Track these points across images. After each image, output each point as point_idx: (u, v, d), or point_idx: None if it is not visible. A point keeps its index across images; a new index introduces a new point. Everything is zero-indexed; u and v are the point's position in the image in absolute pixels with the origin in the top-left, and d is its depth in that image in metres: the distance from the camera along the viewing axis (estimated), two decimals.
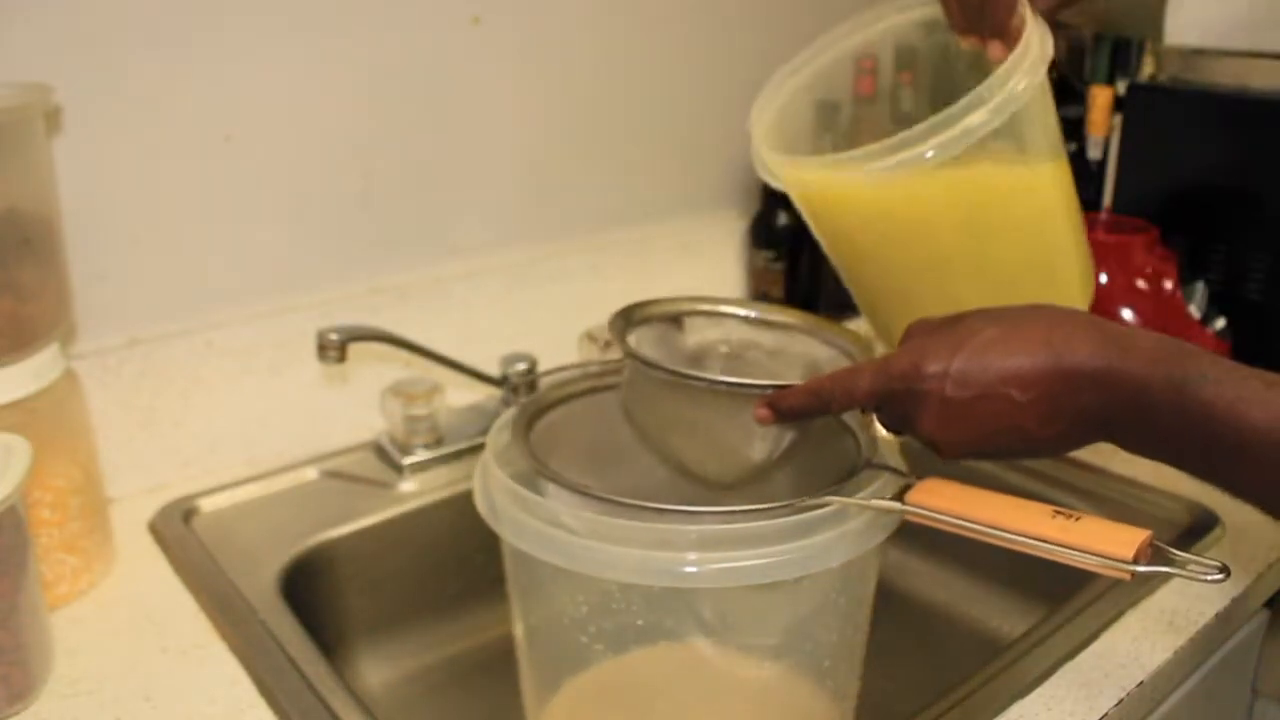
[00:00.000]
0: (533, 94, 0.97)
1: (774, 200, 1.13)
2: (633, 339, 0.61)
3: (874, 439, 0.58)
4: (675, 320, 0.66)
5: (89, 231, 0.76)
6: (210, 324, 0.82)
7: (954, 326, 0.51)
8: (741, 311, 0.67)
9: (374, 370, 0.90)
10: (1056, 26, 1.37)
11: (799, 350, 0.65)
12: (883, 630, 0.65)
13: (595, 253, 1.04)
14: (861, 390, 0.52)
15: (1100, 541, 0.45)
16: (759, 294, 1.15)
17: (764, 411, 0.55)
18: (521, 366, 0.90)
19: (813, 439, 0.60)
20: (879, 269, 0.70)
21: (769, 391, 0.55)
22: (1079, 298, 0.71)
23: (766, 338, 0.67)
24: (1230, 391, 0.44)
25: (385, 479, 0.84)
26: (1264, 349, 0.93)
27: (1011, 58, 0.64)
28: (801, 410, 0.54)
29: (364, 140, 0.87)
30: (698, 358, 0.66)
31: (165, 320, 0.81)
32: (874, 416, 0.55)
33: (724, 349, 0.66)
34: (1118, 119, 1.11)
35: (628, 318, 0.62)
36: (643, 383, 0.60)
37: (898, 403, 0.51)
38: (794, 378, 0.57)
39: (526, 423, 0.60)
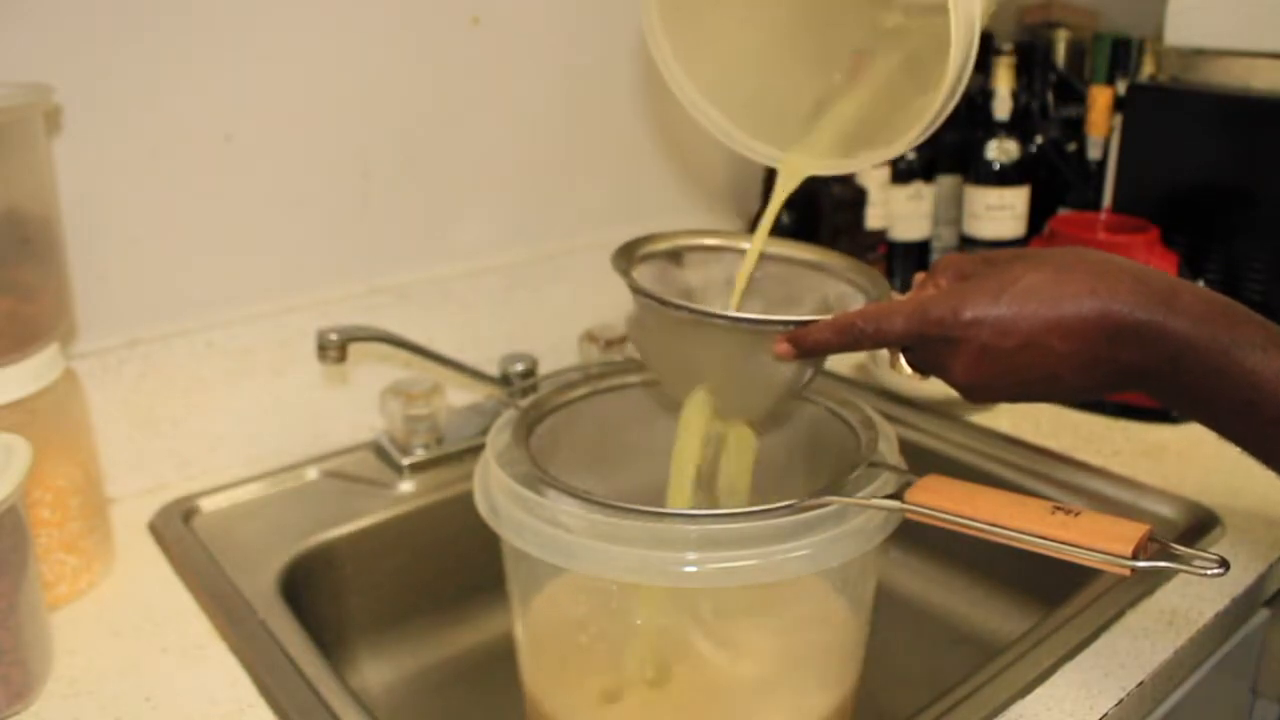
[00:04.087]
0: (532, 94, 0.97)
1: None
2: (636, 275, 0.59)
3: (874, 438, 0.58)
4: (675, 256, 0.64)
5: (89, 231, 0.76)
6: (210, 324, 0.82)
7: (994, 270, 0.49)
8: (745, 245, 0.65)
9: (374, 370, 0.90)
10: (1056, 26, 1.37)
11: (808, 286, 0.64)
12: (883, 630, 0.65)
13: (595, 253, 1.04)
14: (895, 331, 0.51)
15: (1100, 537, 0.45)
16: None
17: (785, 346, 0.53)
18: (521, 366, 0.90)
19: (812, 436, 0.60)
20: None
21: (791, 328, 0.53)
22: None
23: (773, 273, 0.65)
24: (1277, 361, 0.44)
25: (385, 479, 0.84)
26: None
27: None
28: (826, 346, 0.53)
29: (364, 140, 0.87)
30: (700, 296, 0.64)
31: (165, 320, 0.81)
32: (899, 359, 0.54)
33: (723, 284, 0.64)
34: (1118, 119, 1.12)
35: (629, 254, 0.60)
36: (654, 321, 0.58)
37: (931, 347, 0.50)
38: (805, 315, 0.56)
39: (528, 427, 0.60)
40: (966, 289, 0.49)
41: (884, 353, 0.60)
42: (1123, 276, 0.47)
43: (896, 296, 0.56)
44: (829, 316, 0.53)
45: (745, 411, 0.59)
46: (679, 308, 0.54)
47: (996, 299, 0.48)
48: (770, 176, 1.13)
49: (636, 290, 0.56)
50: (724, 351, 0.56)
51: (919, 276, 0.54)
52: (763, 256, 0.64)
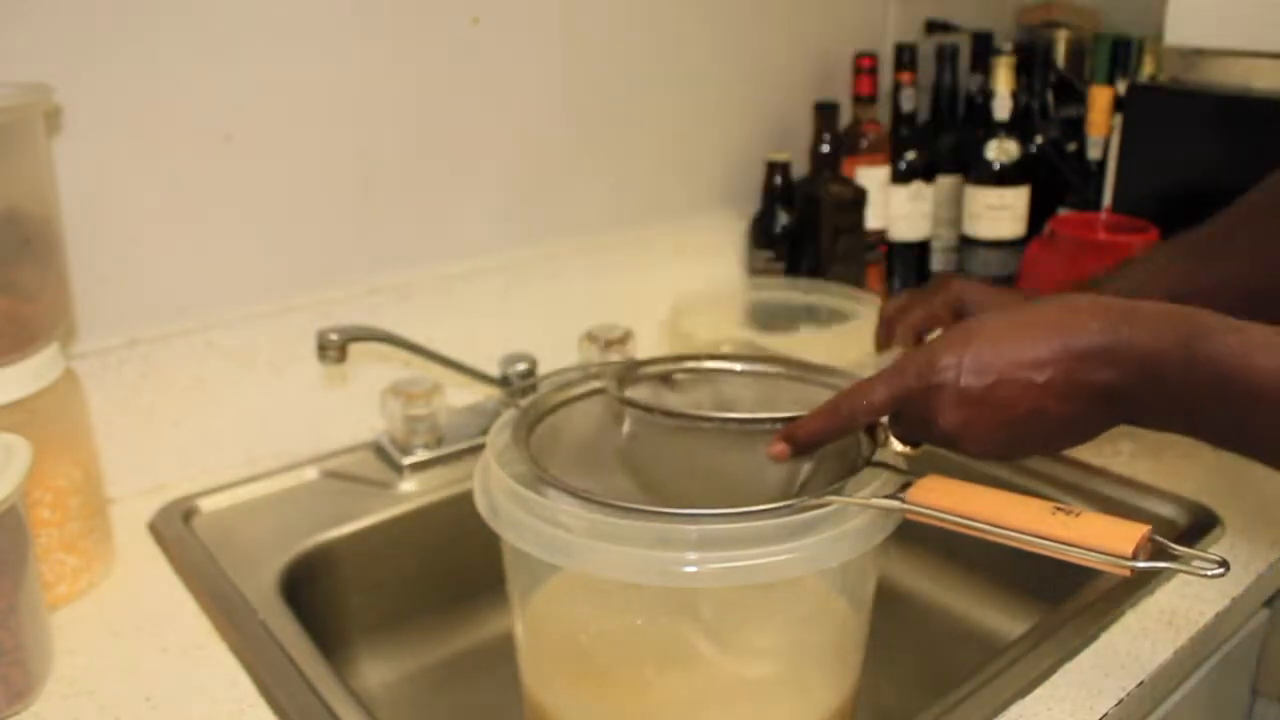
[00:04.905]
0: (533, 94, 0.97)
1: (774, 201, 1.13)
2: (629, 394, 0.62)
3: (873, 438, 0.58)
4: (666, 379, 0.67)
5: (89, 231, 0.76)
6: (210, 324, 0.82)
7: (961, 326, 0.51)
8: (727, 365, 0.67)
9: (374, 370, 0.90)
10: (1056, 26, 1.37)
11: (788, 397, 0.65)
12: (883, 630, 0.65)
13: (595, 253, 1.04)
14: (879, 397, 0.52)
15: (1100, 537, 0.45)
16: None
17: (780, 446, 0.55)
18: (521, 366, 0.90)
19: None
20: None
21: (780, 425, 0.55)
22: None
23: (753, 389, 0.67)
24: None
25: (385, 479, 0.84)
26: None
27: None
28: (820, 435, 0.54)
29: (364, 140, 0.87)
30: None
31: (165, 320, 0.81)
32: (889, 432, 0.55)
33: (712, 404, 0.67)
34: (1118, 119, 1.12)
35: (622, 378, 0.63)
36: (647, 433, 0.60)
37: (915, 405, 0.51)
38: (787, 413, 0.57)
39: (528, 427, 0.60)
40: (936, 344, 0.51)
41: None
42: (1080, 309, 0.49)
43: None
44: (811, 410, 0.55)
45: None
46: (668, 415, 0.57)
47: (966, 344, 0.50)
48: (770, 176, 1.14)
49: (626, 403, 0.59)
50: (717, 457, 0.58)
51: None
52: (742, 374, 0.67)
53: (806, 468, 0.58)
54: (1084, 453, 0.85)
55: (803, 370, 0.65)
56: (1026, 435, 0.50)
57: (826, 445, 0.56)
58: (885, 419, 0.55)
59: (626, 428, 0.63)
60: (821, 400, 0.61)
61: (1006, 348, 0.49)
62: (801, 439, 0.54)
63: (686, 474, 0.60)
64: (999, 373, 0.49)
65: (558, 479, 0.53)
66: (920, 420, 0.52)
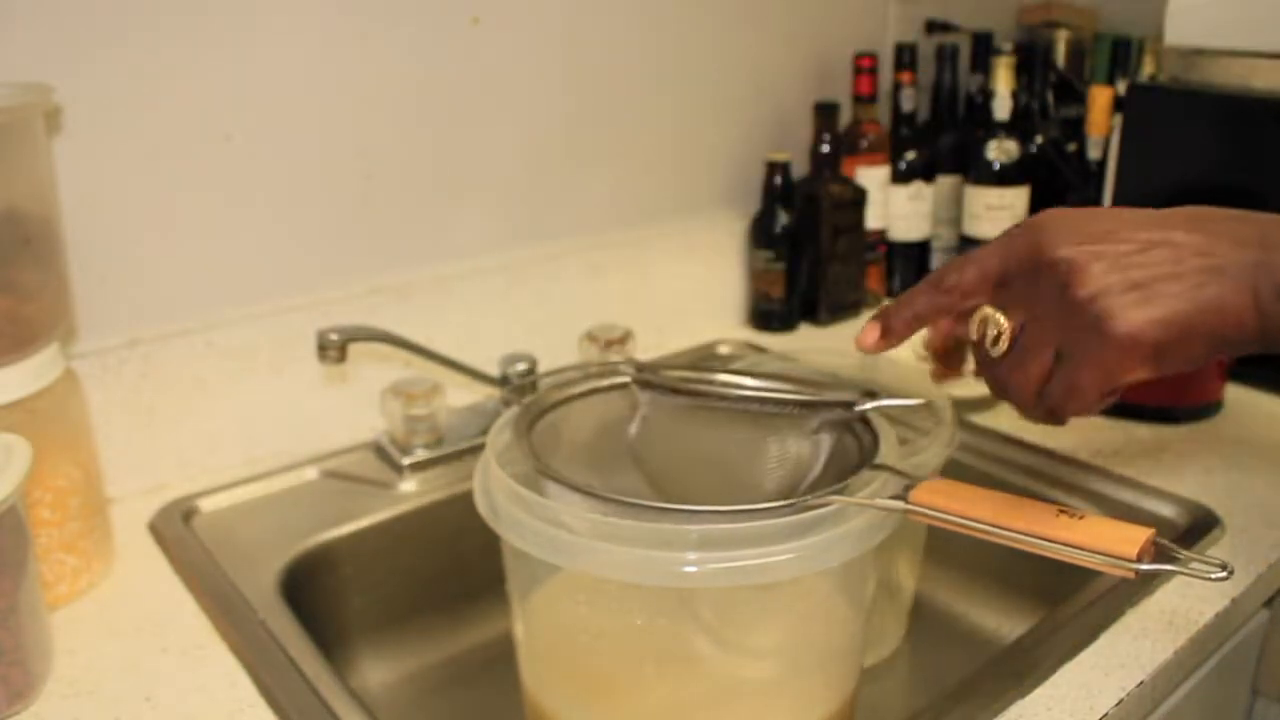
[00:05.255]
0: (532, 94, 0.97)
1: (774, 201, 1.13)
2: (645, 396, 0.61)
3: (875, 438, 0.58)
4: (675, 390, 0.65)
5: (89, 231, 0.76)
6: (210, 324, 0.82)
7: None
8: (739, 382, 0.63)
9: (374, 370, 0.90)
10: (1056, 26, 1.37)
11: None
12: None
13: (595, 253, 1.04)
14: (990, 262, 0.46)
15: (1104, 540, 0.45)
16: (759, 294, 1.16)
17: (872, 333, 0.50)
18: (521, 366, 0.90)
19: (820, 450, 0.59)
20: None
21: (811, 405, 0.52)
22: None
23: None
24: None
25: (385, 479, 0.84)
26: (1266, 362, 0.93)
27: None
28: (920, 315, 0.49)
29: (364, 140, 0.87)
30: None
31: (165, 320, 0.81)
32: (999, 332, 0.47)
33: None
34: (1118, 119, 1.12)
35: (640, 368, 0.63)
36: (656, 425, 0.59)
37: (1032, 281, 0.45)
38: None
39: (529, 423, 0.60)
40: (1062, 217, 0.46)
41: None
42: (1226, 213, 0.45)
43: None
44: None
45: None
46: (688, 392, 0.55)
47: (1095, 216, 0.45)
48: (770, 176, 1.14)
49: (647, 384, 0.57)
50: (727, 450, 0.56)
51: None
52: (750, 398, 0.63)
53: (818, 466, 0.57)
54: (1084, 453, 0.86)
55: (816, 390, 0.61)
56: (1156, 283, 0.43)
57: (922, 328, 0.50)
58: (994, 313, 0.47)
59: (636, 420, 0.61)
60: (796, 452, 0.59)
61: (1140, 215, 0.44)
62: (897, 325, 0.50)
63: (693, 468, 0.59)
64: (1134, 224, 0.44)
65: (559, 473, 0.53)
66: (1031, 278, 0.45)
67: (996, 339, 0.47)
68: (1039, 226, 0.45)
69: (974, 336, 0.48)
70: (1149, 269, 0.43)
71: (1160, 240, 0.43)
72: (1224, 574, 0.44)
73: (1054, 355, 0.45)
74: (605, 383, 0.66)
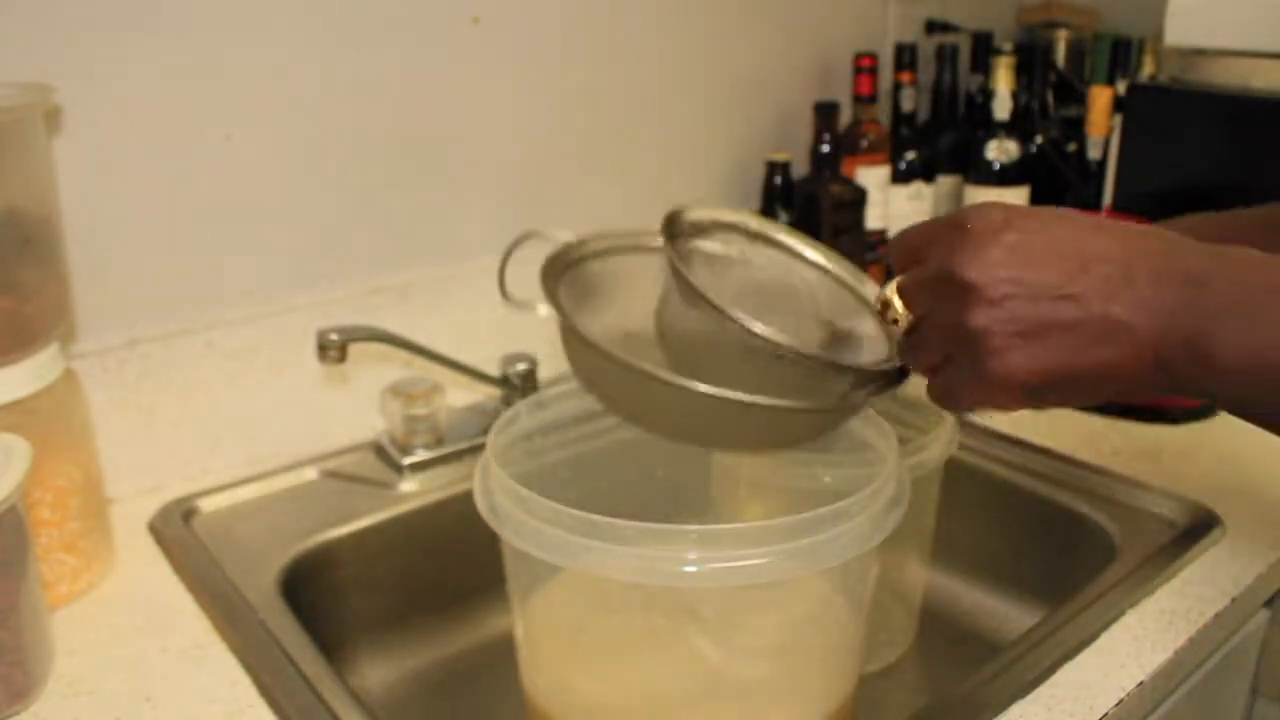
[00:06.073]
0: (533, 94, 0.97)
1: (774, 201, 1.13)
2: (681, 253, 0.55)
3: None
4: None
5: (89, 231, 0.76)
6: (210, 324, 0.82)
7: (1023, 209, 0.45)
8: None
9: (374, 370, 0.90)
10: (1056, 26, 1.37)
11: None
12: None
13: None
14: (912, 243, 0.47)
15: None
16: None
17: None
18: (521, 366, 0.89)
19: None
20: None
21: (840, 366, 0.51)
22: None
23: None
24: None
25: (385, 479, 0.84)
26: None
27: None
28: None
29: (364, 140, 0.87)
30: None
31: (165, 320, 0.81)
32: (894, 282, 0.48)
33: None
34: (1118, 119, 1.12)
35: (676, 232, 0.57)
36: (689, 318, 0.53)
37: (942, 245, 0.45)
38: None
39: (556, 275, 0.56)
40: (992, 205, 0.45)
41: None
42: (1163, 234, 0.43)
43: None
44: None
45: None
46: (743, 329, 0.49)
47: (1026, 212, 0.44)
48: (770, 176, 1.14)
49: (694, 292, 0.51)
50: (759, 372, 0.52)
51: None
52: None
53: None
54: (1084, 453, 0.85)
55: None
56: (1053, 330, 0.42)
57: None
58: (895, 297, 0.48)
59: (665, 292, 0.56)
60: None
61: (1070, 230, 0.43)
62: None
63: (723, 359, 0.53)
64: (1053, 240, 0.42)
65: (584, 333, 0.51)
66: (940, 283, 0.44)
67: (895, 322, 0.48)
68: (964, 236, 0.44)
69: (876, 308, 0.50)
70: (1046, 316, 0.42)
71: (1075, 275, 0.42)
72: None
73: (943, 358, 0.46)
74: (641, 242, 0.62)
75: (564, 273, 0.57)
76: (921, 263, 0.46)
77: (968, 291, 0.43)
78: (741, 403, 0.49)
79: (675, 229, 0.56)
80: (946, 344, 0.46)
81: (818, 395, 0.52)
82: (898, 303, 0.48)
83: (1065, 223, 0.43)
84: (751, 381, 0.50)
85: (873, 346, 0.57)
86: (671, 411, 0.52)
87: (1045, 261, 0.42)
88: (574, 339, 0.53)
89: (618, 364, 0.51)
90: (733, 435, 0.55)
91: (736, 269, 0.60)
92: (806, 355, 0.49)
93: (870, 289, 0.59)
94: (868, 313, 0.58)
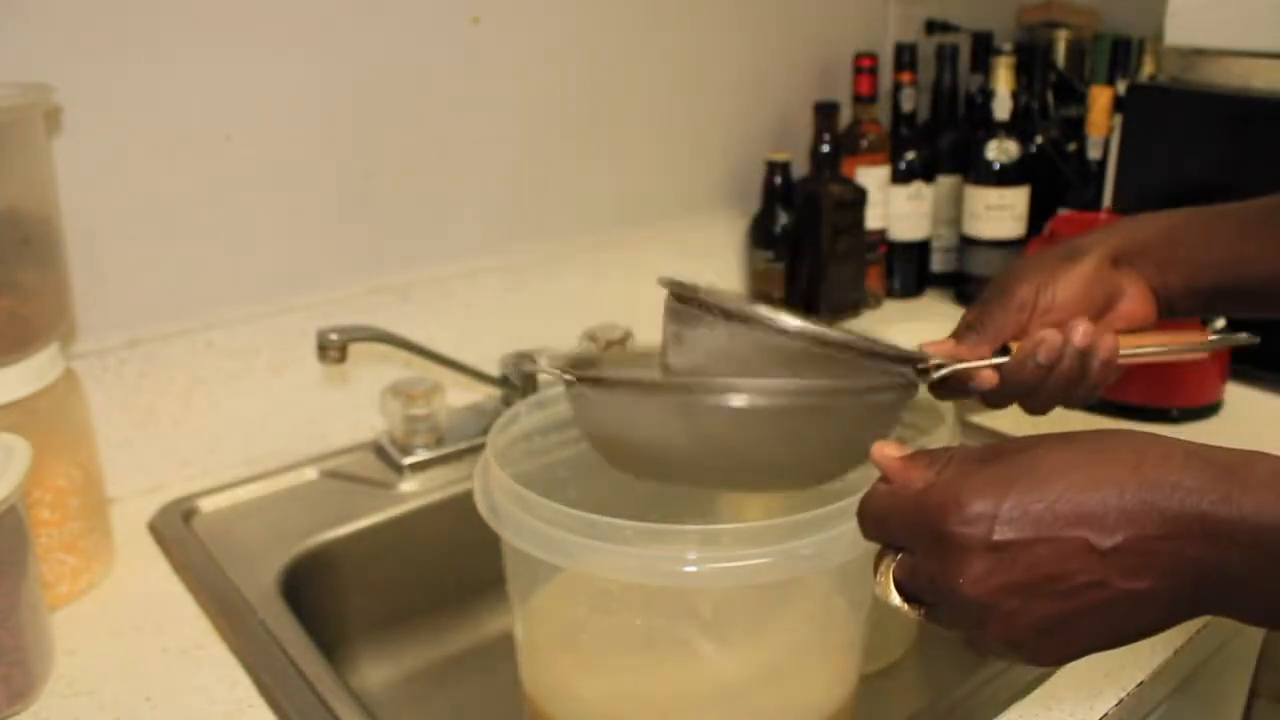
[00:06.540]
0: (532, 94, 0.97)
1: (774, 201, 1.13)
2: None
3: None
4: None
5: (89, 231, 0.76)
6: (210, 324, 0.82)
7: (1010, 456, 0.40)
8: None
9: (374, 370, 0.90)
10: (1056, 26, 1.37)
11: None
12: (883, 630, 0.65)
13: (595, 253, 1.04)
14: (870, 514, 0.43)
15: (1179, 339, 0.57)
16: (759, 294, 1.15)
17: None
18: (524, 366, 0.89)
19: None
20: None
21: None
22: None
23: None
24: None
25: (385, 479, 0.84)
26: (1263, 348, 0.93)
27: None
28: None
29: (364, 140, 0.87)
30: None
31: (165, 320, 0.81)
32: (888, 577, 0.43)
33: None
34: (1118, 119, 1.12)
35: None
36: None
37: (925, 550, 0.40)
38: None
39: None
40: (974, 478, 0.39)
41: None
42: (1173, 454, 0.37)
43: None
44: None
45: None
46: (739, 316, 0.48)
47: (1009, 486, 0.38)
48: (770, 176, 1.14)
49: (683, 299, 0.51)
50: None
51: (913, 454, 0.43)
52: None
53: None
54: None
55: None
56: (1076, 619, 0.38)
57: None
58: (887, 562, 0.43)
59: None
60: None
61: (1061, 491, 0.37)
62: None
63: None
64: (1046, 527, 0.37)
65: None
66: (931, 576, 0.40)
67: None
68: (947, 548, 0.39)
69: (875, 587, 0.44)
70: (1065, 611, 0.38)
71: (1084, 558, 0.37)
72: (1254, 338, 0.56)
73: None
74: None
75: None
76: (899, 546, 0.43)
77: (975, 609, 0.39)
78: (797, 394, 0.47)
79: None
80: (975, 638, 0.42)
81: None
82: (895, 598, 0.43)
83: (1053, 481, 0.38)
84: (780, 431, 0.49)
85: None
86: (710, 436, 0.50)
87: (1047, 554, 0.37)
88: (587, 396, 0.52)
89: (657, 387, 0.50)
90: (763, 467, 0.52)
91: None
92: (846, 343, 0.48)
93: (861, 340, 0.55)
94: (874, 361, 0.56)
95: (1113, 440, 0.39)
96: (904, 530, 0.42)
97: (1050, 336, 0.53)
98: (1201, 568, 0.36)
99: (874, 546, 0.45)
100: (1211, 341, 0.57)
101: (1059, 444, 0.40)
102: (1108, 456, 0.38)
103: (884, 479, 0.43)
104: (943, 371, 0.52)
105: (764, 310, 0.49)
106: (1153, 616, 0.38)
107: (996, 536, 0.38)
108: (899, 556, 0.42)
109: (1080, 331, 0.52)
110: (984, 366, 0.54)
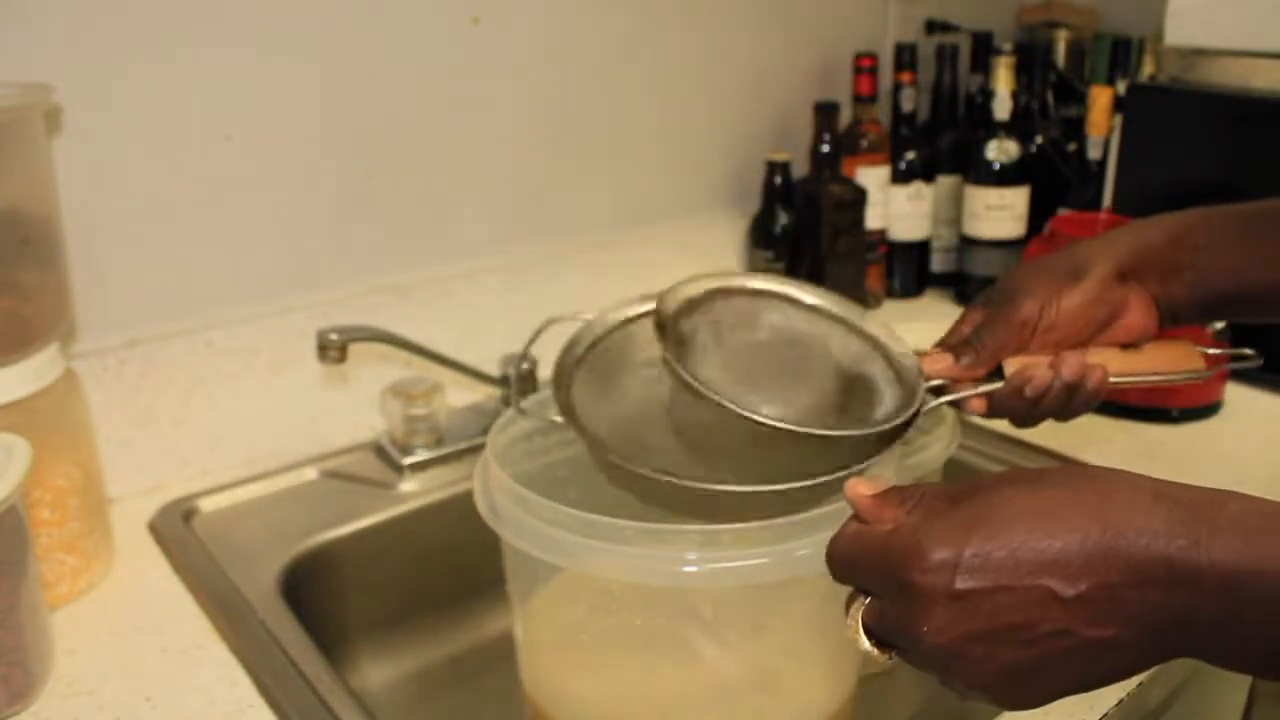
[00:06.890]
0: (532, 94, 0.97)
1: (774, 201, 1.13)
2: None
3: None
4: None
5: (89, 231, 0.76)
6: (210, 324, 0.82)
7: (980, 496, 0.39)
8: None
9: (374, 370, 0.90)
10: (1056, 26, 1.37)
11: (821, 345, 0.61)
12: None
13: (595, 253, 1.04)
14: (838, 558, 0.42)
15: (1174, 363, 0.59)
16: None
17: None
18: (523, 366, 0.89)
19: None
20: None
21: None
22: None
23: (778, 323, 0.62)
24: None
25: (385, 479, 0.84)
26: (1263, 348, 0.93)
27: None
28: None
29: (364, 140, 0.87)
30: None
31: (165, 320, 0.81)
32: (856, 620, 0.42)
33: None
34: (1118, 119, 1.12)
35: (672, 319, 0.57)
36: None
37: (892, 597, 0.40)
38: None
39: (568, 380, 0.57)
40: (936, 522, 0.39)
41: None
42: (1140, 496, 0.37)
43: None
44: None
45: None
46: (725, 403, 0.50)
47: (971, 531, 0.38)
48: (770, 176, 1.14)
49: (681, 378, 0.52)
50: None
51: (885, 493, 0.43)
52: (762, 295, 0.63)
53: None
54: (1084, 453, 0.85)
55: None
56: (1043, 666, 0.38)
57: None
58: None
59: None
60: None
61: (1023, 537, 0.37)
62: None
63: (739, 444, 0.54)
64: (1007, 574, 0.37)
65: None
66: (896, 621, 0.40)
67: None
68: (910, 597, 0.39)
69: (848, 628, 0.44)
70: (1031, 658, 0.38)
71: (1048, 607, 0.36)
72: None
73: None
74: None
75: (575, 371, 0.58)
76: (868, 591, 0.42)
77: (940, 656, 0.39)
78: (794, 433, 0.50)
79: (666, 323, 0.56)
80: (947, 679, 0.42)
81: (833, 459, 0.52)
82: (865, 642, 0.42)
83: (1016, 526, 0.37)
84: (771, 463, 0.51)
85: (890, 387, 0.57)
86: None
87: (1009, 603, 0.37)
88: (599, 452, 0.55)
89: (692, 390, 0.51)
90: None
91: (739, 333, 0.61)
92: (816, 434, 0.50)
93: (873, 327, 0.60)
94: (878, 353, 0.59)
95: (1081, 481, 0.38)
96: (871, 576, 0.41)
97: (1040, 374, 0.55)
98: (1168, 613, 0.35)
99: None
100: (1207, 372, 0.60)
101: (1028, 486, 0.39)
102: (1073, 501, 0.37)
103: (855, 517, 0.43)
104: (935, 403, 0.57)
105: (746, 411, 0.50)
106: (1121, 662, 0.37)
107: (958, 585, 0.37)
108: (868, 601, 0.42)
109: (1069, 367, 0.55)
110: (974, 395, 0.57)
